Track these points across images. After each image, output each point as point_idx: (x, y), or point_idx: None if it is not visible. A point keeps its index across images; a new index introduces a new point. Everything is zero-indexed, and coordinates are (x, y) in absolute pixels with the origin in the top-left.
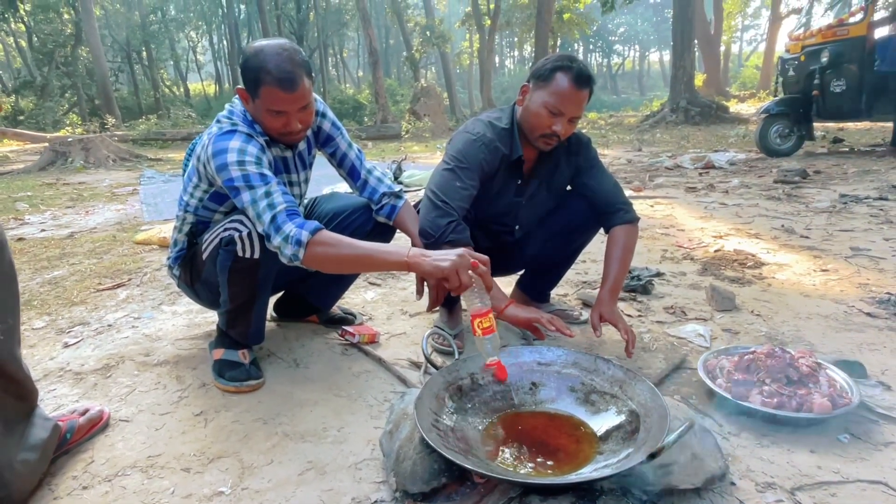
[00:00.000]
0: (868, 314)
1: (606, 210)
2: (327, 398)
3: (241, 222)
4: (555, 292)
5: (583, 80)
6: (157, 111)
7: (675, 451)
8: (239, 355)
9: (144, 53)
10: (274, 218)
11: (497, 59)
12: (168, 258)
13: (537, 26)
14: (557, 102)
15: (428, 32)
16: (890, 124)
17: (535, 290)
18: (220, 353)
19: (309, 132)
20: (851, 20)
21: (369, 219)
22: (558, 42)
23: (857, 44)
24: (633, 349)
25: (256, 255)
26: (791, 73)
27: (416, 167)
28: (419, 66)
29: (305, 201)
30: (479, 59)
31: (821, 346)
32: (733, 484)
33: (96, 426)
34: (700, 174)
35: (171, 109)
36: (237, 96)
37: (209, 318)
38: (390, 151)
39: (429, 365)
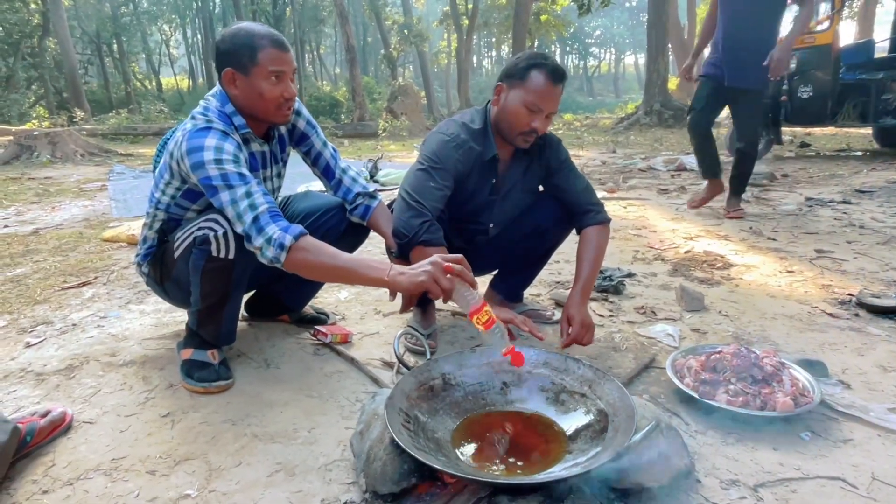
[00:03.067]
0: (830, 315)
1: (578, 211)
2: (298, 399)
3: (217, 221)
4: (528, 292)
5: (558, 75)
6: (128, 105)
7: (642, 449)
8: (208, 355)
9: (115, 46)
10: (256, 219)
11: (475, 59)
12: (137, 255)
13: (515, 27)
14: (536, 99)
15: (406, 31)
16: (853, 130)
17: (509, 289)
18: (188, 354)
19: (283, 129)
20: (818, 28)
21: (343, 219)
22: (535, 43)
23: (824, 51)
24: (566, 348)
25: (232, 255)
26: None
27: (393, 166)
28: (397, 65)
29: (279, 199)
30: (456, 59)
31: (785, 345)
32: (699, 481)
33: (58, 428)
34: (672, 176)
35: (143, 104)
36: (212, 92)
37: (178, 318)
38: (367, 150)
39: (401, 365)
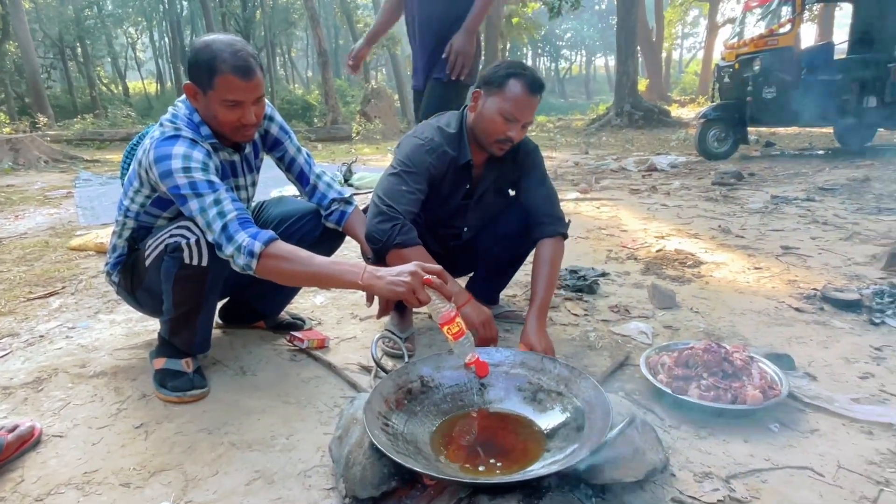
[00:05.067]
0: (797, 309)
1: (536, 220)
2: (275, 405)
3: (189, 229)
4: (504, 293)
5: (536, 86)
6: (93, 110)
7: (618, 445)
8: (182, 364)
9: (79, 50)
10: (225, 227)
11: None
12: (106, 264)
13: (486, 30)
14: (513, 109)
15: None
16: (816, 130)
17: (484, 292)
18: (161, 363)
19: (256, 135)
20: (781, 31)
21: (318, 224)
22: (507, 46)
23: (786, 53)
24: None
25: (205, 263)
26: (726, 80)
27: (367, 169)
28: (369, 68)
29: (253, 205)
30: None
31: (754, 340)
32: (673, 475)
33: (27, 443)
34: (643, 176)
35: (109, 108)
36: (181, 98)
37: (150, 327)
38: (340, 153)
39: (378, 369)
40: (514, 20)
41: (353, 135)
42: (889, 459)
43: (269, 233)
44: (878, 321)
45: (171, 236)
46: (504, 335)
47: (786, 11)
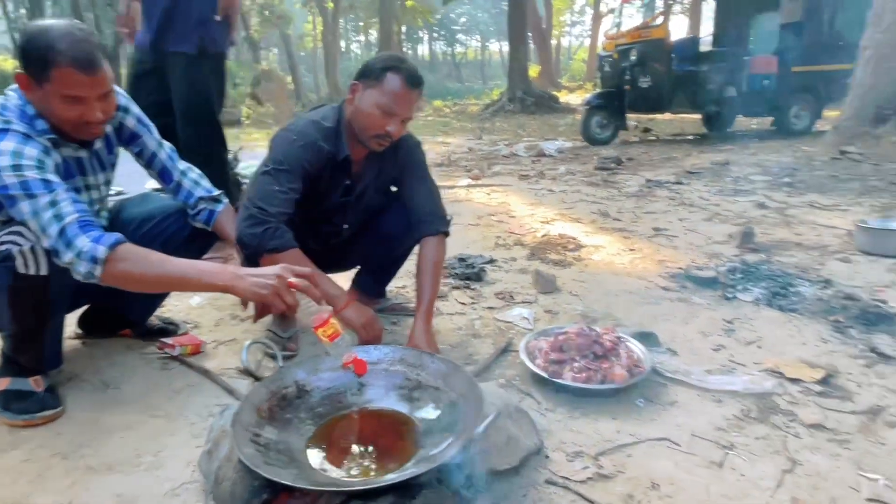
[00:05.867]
0: (663, 288)
1: (418, 218)
2: (142, 420)
3: (21, 234)
4: (394, 284)
5: (414, 80)
6: None
7: (491, 435)
8: (30, 383)
9: None
10: (63, 231)
11: (343, 44)
12: None
13: (381, 12)
14: (390, 103)
15: (266, 12)
16: (687, 117)
17: (371, 287)
18: (5, 383)
19: (109, 128)
20: (654, 23)
21: (185, 225)
22: (403, 29)
23: (659, 45)
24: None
25: (44, 271)
26: (607, 69)
27: (256, 157)
28: (259, 48)
29: (111, 205)
30: (323, 43)
31: (626, 319)
32: (547, 457)
33: None
34: (533, 162)
35: None
36: (13, 87)
37: None
38: (228, 139)
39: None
40: (409, 3)
41: (243, 119)
42: (734, 424)
43: (116, 235)
44: (730, 296)
45: (2, 243)
46: (392, 328)
47: (659, 4)
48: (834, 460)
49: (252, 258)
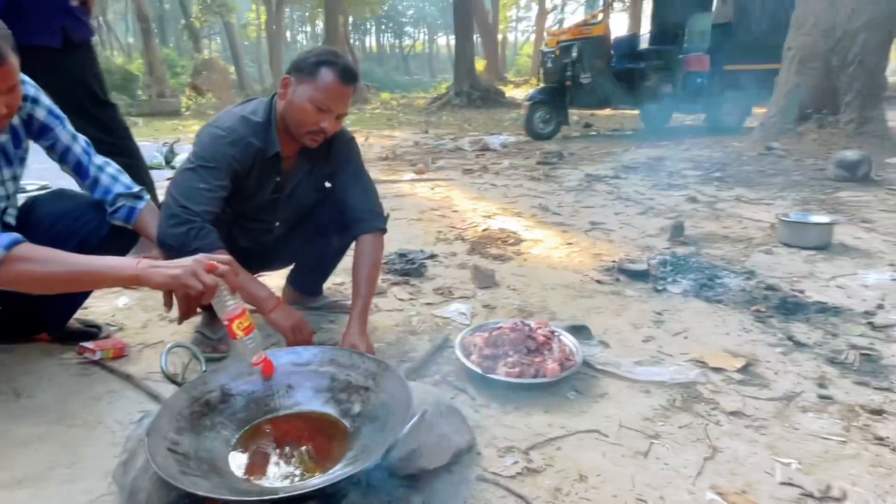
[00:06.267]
0: (598, 281)
1: (353, 215)
2: (58, 430)
3: None
4: (331, 281)
5: (348, 76)
6: None
7: (421, 434)
8: None
9: None
10: None
11: (288, 34)
12: None
13: (327, 2)
14: (324, 98)
15: (208, 0)
16: (627, 112)
17: (306, 285)
18: None
19: (17, 120)
20: (594, 20)
21: (103, 222)
22: (350, 20)
23: (600, 42)
24: None
25: None
26: (549, 64)
27: None
28: (201, 37)
29: (20, 202)
30: (266, 32)
31: (561, 313)
32: (479, 453)
33: None
34: (477, 156)
35: None
36: None
37: None
38: (166, 130)
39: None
40: None
41: (183, 109)
42: (660, 414)
43: (13, 235)
44: (660, 288)
45: None
46: (329, 327)
47: (599, 2)
48: (751, 446)
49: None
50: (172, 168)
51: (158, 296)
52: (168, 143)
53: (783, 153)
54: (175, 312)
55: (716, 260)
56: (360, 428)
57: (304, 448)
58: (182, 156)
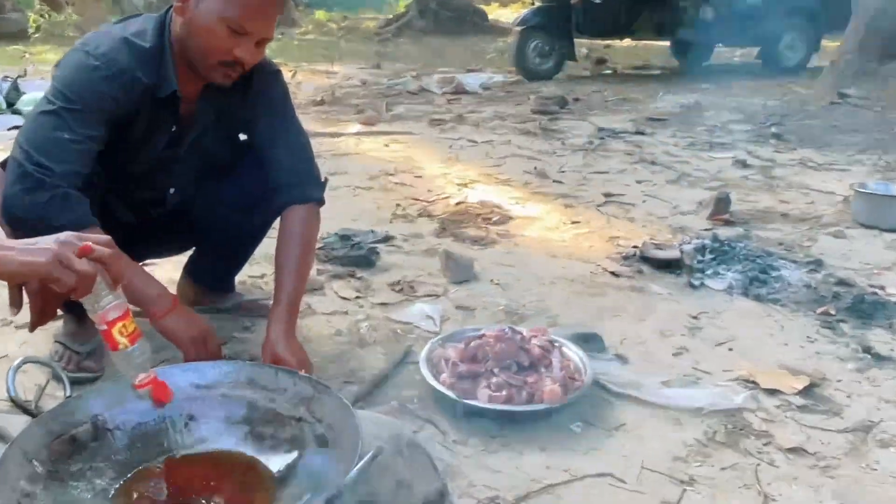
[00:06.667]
0: (613, 273)
1: (280, 179)
2: None
3: None
4: (246, 273)
5: None
6: None
7: (373, 481)
8: None
9: None
10: None
11: None
12: None
13: None
14: (240, 16)
15: None
16: (652, 44)
17: (212, 278)
18: None
19: None
20: None
21: None
22: None
23: None
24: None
25: None
26: None
27: (47, 86)
28: None
29: None
30: None
31: (563, 316)
32: None
33: None
34: (449, 101)
35: None
36: None
37: None
38: (8, 59)
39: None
40: None
41: (31, 30)
42: (695, 451)
43: None
44: (697, 283)
45: None
46: (243, 335)
47: None
48: (815, 493)
49: (26, 236)
50: (17, 113)
51: (3, 297)
52: (9, 77)
53: (861, 103)
54: (25, 316)
55: (771, 245)
56: (288, 474)
57: (210, 502)
58: (32, 95)
